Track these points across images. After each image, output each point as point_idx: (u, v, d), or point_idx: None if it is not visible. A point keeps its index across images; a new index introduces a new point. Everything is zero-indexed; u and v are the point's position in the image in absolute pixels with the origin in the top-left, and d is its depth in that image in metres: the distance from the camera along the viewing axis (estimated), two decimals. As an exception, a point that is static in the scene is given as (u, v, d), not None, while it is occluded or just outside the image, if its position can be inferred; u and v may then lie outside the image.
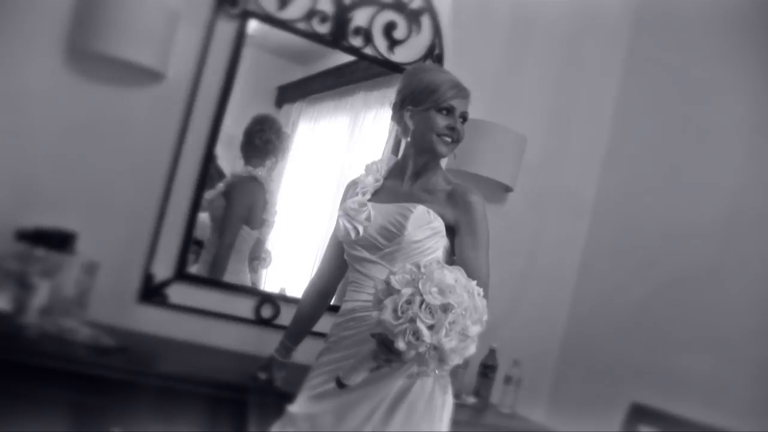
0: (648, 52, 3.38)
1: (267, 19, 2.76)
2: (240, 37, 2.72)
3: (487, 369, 3.01)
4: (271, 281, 2.93)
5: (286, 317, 2.68)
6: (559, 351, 3.40)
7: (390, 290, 1.66)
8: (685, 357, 2.76)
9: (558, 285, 3.42)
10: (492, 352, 3.02)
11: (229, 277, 2.81)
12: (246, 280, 2.87)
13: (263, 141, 2.84)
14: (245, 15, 2.72)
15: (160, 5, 2.53)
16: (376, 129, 3.03)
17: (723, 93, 2.95)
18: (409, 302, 1.62)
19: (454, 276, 1.64)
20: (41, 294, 2.15)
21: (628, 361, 3.01)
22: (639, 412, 2.64)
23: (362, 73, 3.02)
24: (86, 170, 2.56)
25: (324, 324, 2.22)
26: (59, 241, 2.25)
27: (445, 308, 1.60)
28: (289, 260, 2.97)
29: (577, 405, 3.18)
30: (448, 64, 3.01)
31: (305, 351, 2.25)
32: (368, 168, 2.09)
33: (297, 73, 2.98)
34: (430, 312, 1.60)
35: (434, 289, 1.61)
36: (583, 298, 3.38)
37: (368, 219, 1.97)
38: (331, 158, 3.02)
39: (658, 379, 2.83)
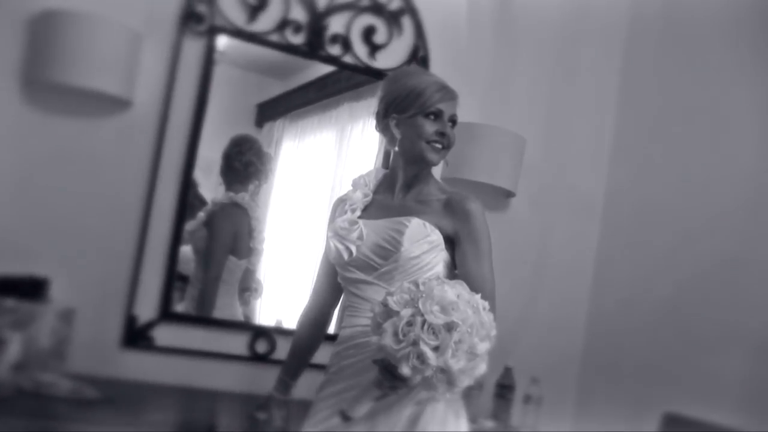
0: (651, 43, 3.37)
1: (236, 33, 2.75)
2: (209, 55, 2.71)
3: (504, 389, 2.98)
4: (265, 313, 2.90)
5: (283, 351, 2.64)
6: (580, 363, 3.36)
7: (388, 312, 1.63)
8: (717, 358, 2.72)
9: (573, 292, 3.37)
10: (508, 371, 2.98)
11: (218, 313, 2.78)
12: (237, 314, 2.84)
13: (243, 164, 2.81)
14: (213, 31, 2.71)
15: (121, 28, 2.51)
16: (364, 141, 3.02)
17: (732, 81, 2.94)
18: (409, 324, 1.59)
19: (455, 291, 1.61)
20: (13, 348, 2.13)
21: (655, 367, 2.97)
22: (674, 423, 2.60)
23: (345, 83, 3.01)
24: (54, 210, 2.54)
25: (323, 354, 2.18)
26: (30, 288, 2.24)
27: (449, 327, 1.57)
28: (283, 289, 2.94)
29: (604, 420, 3.12)
30: (435, 65, 3.00)
31: (305, 385, 2.21)
32: (355, 183, 2.06)
33: (276, 89, 2.98)
34: (434, 332, 1.57)
35: (435, 308, 1.58)
36: (600, 304, 3.34)
37: (360, 237, 1.94)
38: (319, 176, 3.01)
39: (690, 384, 2.80)
